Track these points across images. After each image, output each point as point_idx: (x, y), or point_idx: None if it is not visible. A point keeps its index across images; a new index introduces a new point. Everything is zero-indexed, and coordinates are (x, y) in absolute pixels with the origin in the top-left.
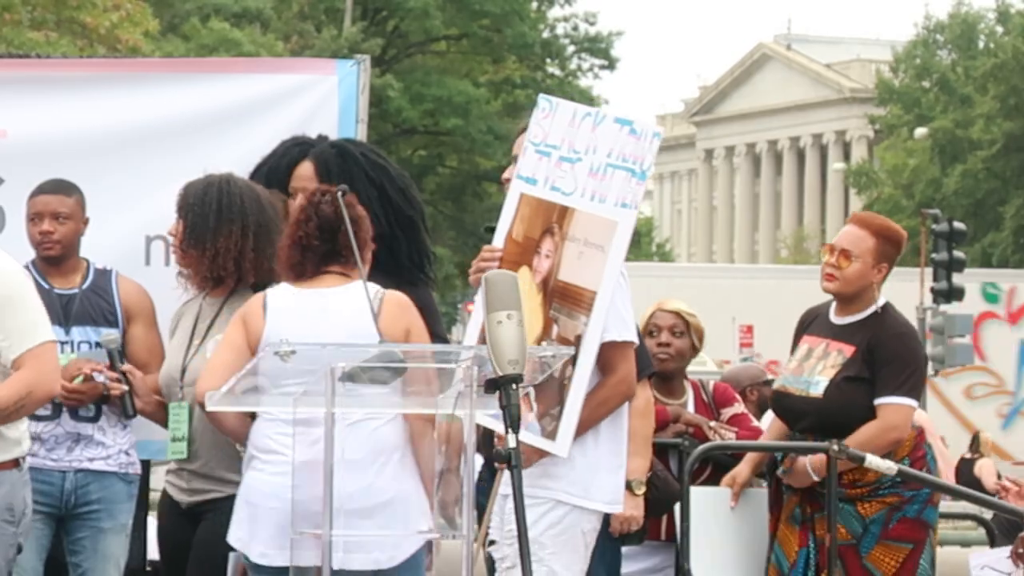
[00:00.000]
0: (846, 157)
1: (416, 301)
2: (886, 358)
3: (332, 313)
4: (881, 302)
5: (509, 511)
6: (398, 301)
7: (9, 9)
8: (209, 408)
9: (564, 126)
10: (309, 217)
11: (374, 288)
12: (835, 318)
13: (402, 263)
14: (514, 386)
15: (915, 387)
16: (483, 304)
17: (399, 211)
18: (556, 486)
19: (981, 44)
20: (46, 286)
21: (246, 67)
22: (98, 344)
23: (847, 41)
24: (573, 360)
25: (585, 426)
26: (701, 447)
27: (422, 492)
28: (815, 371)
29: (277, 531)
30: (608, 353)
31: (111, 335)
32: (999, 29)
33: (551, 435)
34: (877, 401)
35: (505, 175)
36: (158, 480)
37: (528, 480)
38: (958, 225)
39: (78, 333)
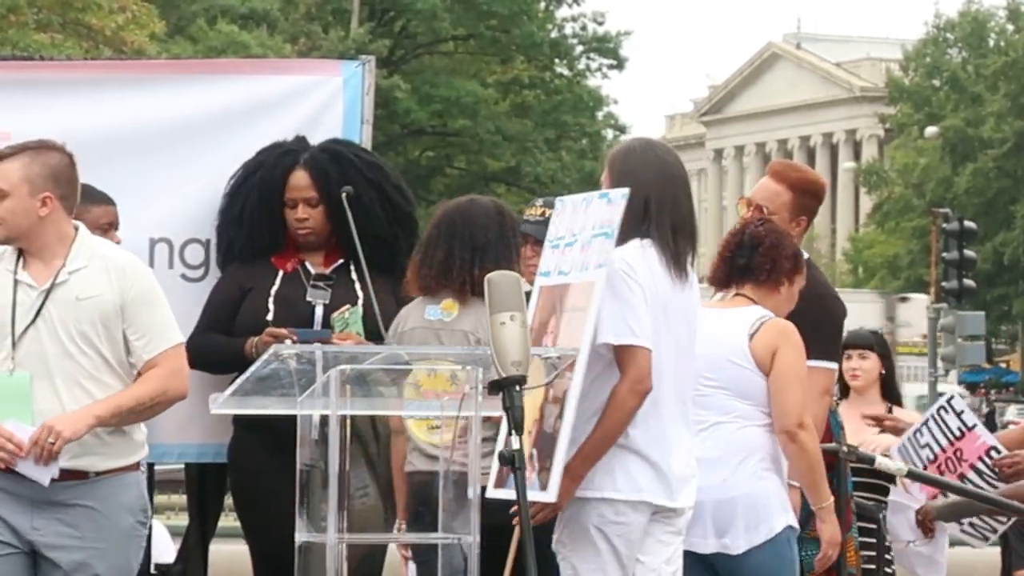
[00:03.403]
0: (857, 156)
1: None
2: (806, 320)
3: (723, 326)
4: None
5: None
6: (777, 326)
7: (15, 11)
8: (215, 410)
9: (568, 217)
10: (739, 233)
11: (760, 312)
12: None
13: (398, 262)
14: (517, 387)
15: (836, 349)
16: (487, 306)
17: (399, 209)
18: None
19: (992, 42)
20: None
21: (251, 68)
22: None
23: (857, 40)
24: (561, 412)
25: (612, 436)
26: None
27: (781, 492)
28: None
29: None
30: (616, 357)
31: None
32: (1010, 27)
33: (544, 486)
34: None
35: None
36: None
37: None
38: (969, 224)
39: None
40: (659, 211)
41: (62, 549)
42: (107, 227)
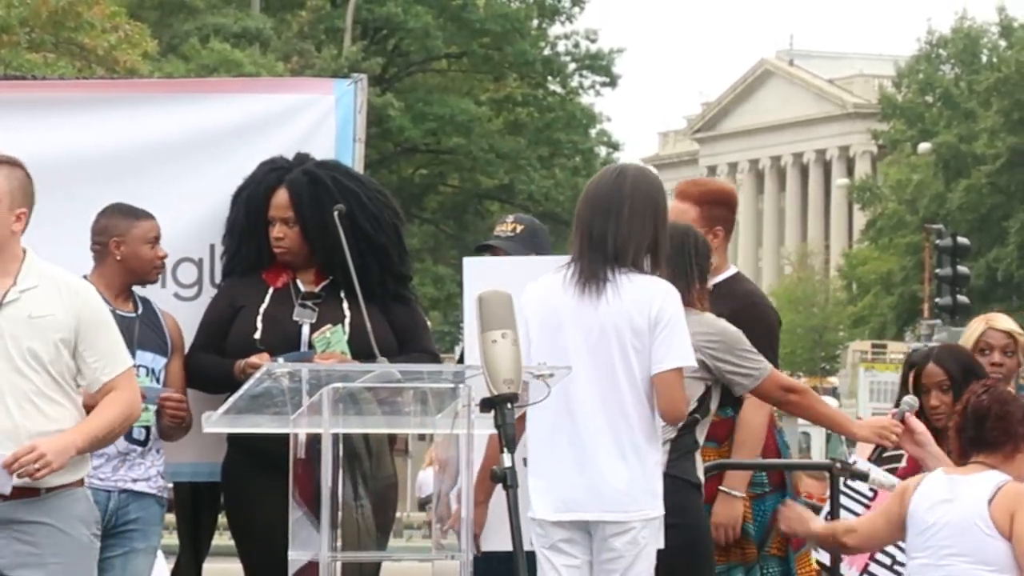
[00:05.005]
0: (850, 173)
1: (403, 320)
2: (740, 328)
3: (962, 493)
4: (730, 271)
5: None
6: (1014, 490)
7: (7, 30)
8: (207, 429)
9: None
10: (964, 405)
11: (998, 477)
12: None
13: (372, 289)
14: (509, 405)
15: (773, 357)
16: (477, 324)
17: (369, 238)
18: None
19: (984, 58)
20: (109, 306)
21: (243, 87)
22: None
23: (850, 56)
24: None
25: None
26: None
27: None
28: None
29: None
30: None
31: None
32: (1002, 43)
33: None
34: None
35: None
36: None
37: None
38: (962, 240)
39: (140, 357)
40: (575, 232)
41: (23, 567)
42: (154, 241)
